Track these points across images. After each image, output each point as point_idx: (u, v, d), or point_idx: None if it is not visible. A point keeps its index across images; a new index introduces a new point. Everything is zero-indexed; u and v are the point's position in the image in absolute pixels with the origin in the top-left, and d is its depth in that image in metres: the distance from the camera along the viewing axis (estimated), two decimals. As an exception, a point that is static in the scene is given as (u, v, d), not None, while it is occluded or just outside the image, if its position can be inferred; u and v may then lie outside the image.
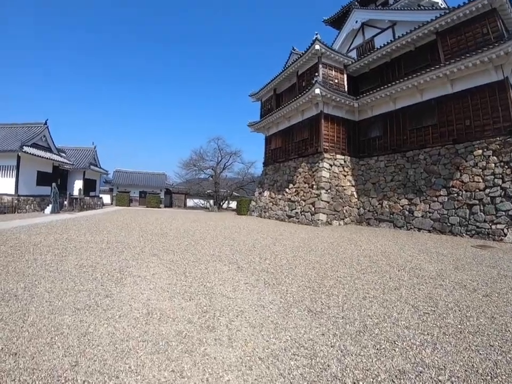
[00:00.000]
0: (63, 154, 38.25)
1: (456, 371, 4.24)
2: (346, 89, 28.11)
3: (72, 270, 8.99)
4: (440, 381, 4.00)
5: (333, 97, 26.01)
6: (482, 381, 4.05)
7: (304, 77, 29.35)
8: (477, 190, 18.01)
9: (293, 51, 33.04)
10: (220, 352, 4.89)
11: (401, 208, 21.95)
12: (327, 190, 24.74)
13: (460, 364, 4.46)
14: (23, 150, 28.33)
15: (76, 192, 39.44)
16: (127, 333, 5.42)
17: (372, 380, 4.01)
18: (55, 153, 35.15)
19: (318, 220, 23.55)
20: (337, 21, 36.42)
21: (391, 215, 22.48)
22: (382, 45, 25.70)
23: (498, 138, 18.14)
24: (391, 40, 25.18)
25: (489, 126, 18.59)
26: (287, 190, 29.14)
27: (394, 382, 3.96)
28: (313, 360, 4.48)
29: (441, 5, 26.36)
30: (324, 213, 24.02)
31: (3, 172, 29.33)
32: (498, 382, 4.08)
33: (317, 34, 26.08)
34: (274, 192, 31.52)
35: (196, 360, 4.71)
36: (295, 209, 26.89)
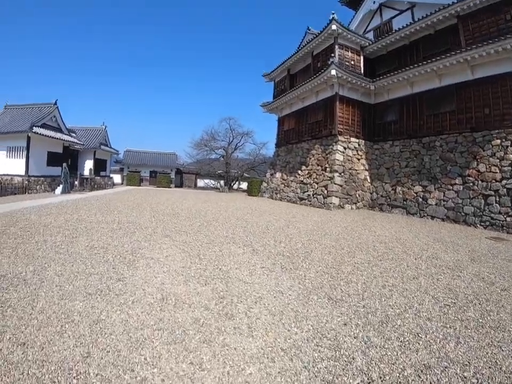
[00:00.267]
0: (74, 135, 37.87)
1: (480, 367, 4.06)
2: (362, 71, 27.27)
3: (82, 252, 8.71)
4: (465, 378, 3.84)
5: (349, 79, 25.17)
6: (506, 378, 3.87)
7: (319, 58, 28.44)
8: (493, 181, 17.35)
9: (308, 31, 32.04)
10: (240, 342, 4.60)
11: (415, 195, 21.36)
12: (340, 173, 24.23)
13: (484, 360, 4.23)
14: (33, 131, 27.96)
15: (86, 172, 39.24)
16: (141, 321, 5.11)
17: (398, 374, 3.85)
18: (65, 134, 34.73)
19: (331, 203, 23.11)
20: (354, 1, 35.02)
21: (404, 202, 21.91)
22: (401, 27, 24.71)
23: (518, 129, 17.36)
24: (410, 23, 24.13)
25: (509, 115, 17.78)
26: (299, 172, 28.59)
27: (420, 377, 3.80)
28: (337, 352, 4.30)
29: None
30: (336, 196, 23.52)
31: (13, 153, 29.15)
32: (523, 380, 3.89)
33: (333, 13, 25.14)
34: (286, 174, 31.00)
35: (215, 351, 4.40)
36: (307, 191, 26.44)
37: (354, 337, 4.67)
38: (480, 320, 5.45)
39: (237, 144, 54.37)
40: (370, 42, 27.33)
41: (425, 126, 22.51)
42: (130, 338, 4.58)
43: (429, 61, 21.37)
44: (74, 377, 3.67)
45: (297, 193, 27.87)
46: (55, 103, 33.17)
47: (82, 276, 6.90)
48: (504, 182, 16.95)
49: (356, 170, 25.19)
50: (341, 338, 4.63)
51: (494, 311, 5.91)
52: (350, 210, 23.13)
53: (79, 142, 36.94)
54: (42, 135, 29.27)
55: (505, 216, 16.25)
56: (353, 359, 4.12)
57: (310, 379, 3.75)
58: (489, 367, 4.05)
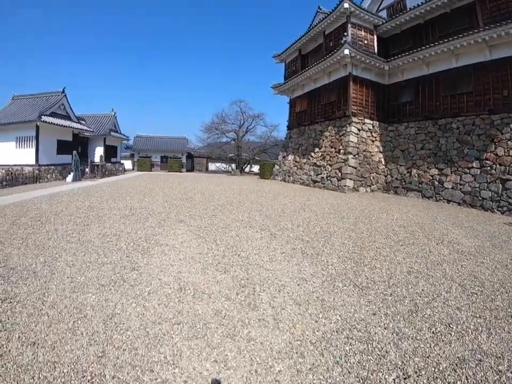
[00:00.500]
0: (83, 122, 37.61)
1: (514, 360, 3.79)
2: (376, 51, 26.27)
3: (95, 240, 8.40)
4: (500, 371, 3.62)
5: (362, 58, 24.24)
6: (540, 373, 3.57)
7: (331, 37, 27.51)
8: (512, 165, 16.65)
9: (318, 10, 30.95)
10: (266, 336, 4.28)
11: (431, 178, 20.63)
12: (354, 156, 23.63)
13: (517, 352, 3.95)
14: (42, 120, 27.75)
15: (97, 159, 38.90)
16: (159, 314, 4.77)
17: (433, 369, 3.63)
18: (74, 121, 34.47)
19: (345, 185, 22.49)
20: (366, -21, 33.84)
21: (420, 185, 21.23)
22: (415, 6, 23.67)
23: (537, 112, 16.66)
24: (425, 1, 23.10)
25: (529, 98, 16.93)
26: (312, 154, 27.89)
27: (456, 371, 3.59)
28: (369, 345, 4.08)
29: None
30: (350, 179, 22.94)
31: (23, 143, 29.10)
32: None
33: (346, -10, 24.19)
34: (298, 156, 30.08)
35: (240, 346, 4.07)
36: (320, 174, 25.77)
37: (385, 328, 4.47)
38: (509, 310, 5.13)
39: (248, 127, 53.60)
40: (384, 21, 26.24)
41: (442, 107, 21.61)
42: (147, 334, 4.25)
43: (445, 40, 20.40)
44: (88, 381, 3.35)
45: (310, 175, 27.33)
46: (63, 91, 32.91)
47: (95, 265, 6.57)
48: (523, 166, 16.24)
49: (370, 152, 24.53)
50: (372, 330, 4.42)
51: (521, 300, 5.57)
52: (364, 193, 22.61)
53: (88, 129, 36.73)
54: (51, 123, 29.06)
55: (524, 202, 15.60)
56: (386, 352, 3.90)
57: (343, 376, 3.50)
58: (523, 360, 3.79)
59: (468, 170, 18.45)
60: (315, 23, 28.92)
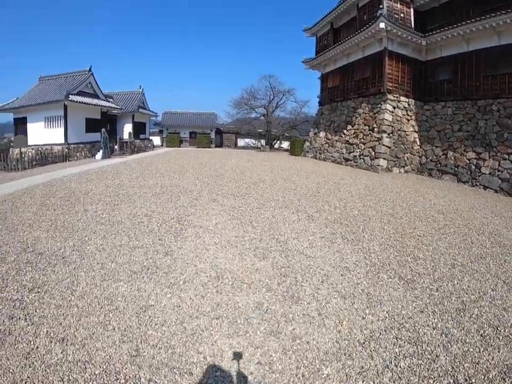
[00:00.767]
0: (111, 100, 37.47)
1: None
2: (412, 25, 24.63)
3: (125, 221, 8.11)
4: None
5: (399, 32, 22.81)
6: None
7: (365, 10, 26.01)
8: (556, 153, 15.60)
9: (352, -19, 29.53)
10: (311, 334, 3.95)
11: (468, 161, 19.36)
12: (389, 134, 22.56)
13: None
14: (69, 99, 27.57)
15: (126, 136, 39.00)
16: (196, 306, 4.43)
17: (482, 376, 3.37)
18: (102, 99, 34.38)
19: (378, 165, 21.49)
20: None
21: (456, 168, 20.03)
22: None
23: None
24: None
25: None
26: (344, 131, 26.81)
27: (505, 381, 3.33)
28: (418, 347, 3.80)
29: None
30: (384, 159, 21.98)
31: (51, 122, 29.11)
32: None
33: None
34: (330, 133, 29.65)
35: (285, 346, 3.74)
36: (353, 152, 25.17)
37: (433, 328, 4.18)
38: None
39: (278, 102, 52.14)
40: (422, -7, 24.69)
41: (482, 87, 20.13)
42: (184, 330, 3.94)
43: (487, 16, 18.93)
44: (122, 385, 3.04)
45: (342, 153, 26.47)
46: (90, 70, 32.71)
47: (126, 250, 6.26)
48: None
49: (405, 131, 23.38)
50: (420, 330, 4.14)
51: None
52: (398, 174, 21.71)
53: (116, 107, 36.65)
54: (79, 102, 28.99)
55: None
56: (436, 356, 3.62)
57: (393, 382, 3.26)
58: None
59: (507, 156, 17.28)
60: (348, -5, 27.58)
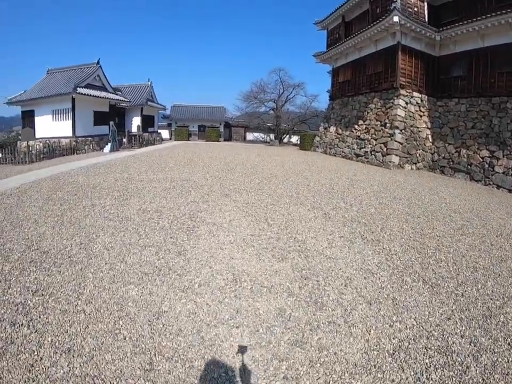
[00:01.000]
0: (119, 93, 37.29)
1: None
2: (426, 20, 24.14)
3: (134, 217, 7.78)
4: None
5: (413, 27, 22.32)
6: None
7: (378, 3, 25.42)
8: None
9: (364, -26, 28.94)
10: (339, 345, 3.70)
11: (481, 160, 18.86)
12: (401, 130, 22.10)
13: None
14: (77, 92, 27.40)
15: (134, 129, 38.89)
16: (214, 313, 4.11)
17: None
18: (110, 92, 34.32)
19: (390, 161, 21.48)
20: None
21: (469, 166, 19.52)
22: None
23: None
24: None
25: None
26: (356, 126, 26.26)
27: None
28: (448, 357, 3.60)
29: None
30: (396, 155, 21.60)
31: (59, 115, 28.97)
32: None
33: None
34: (341, 128, 29.23)
35: (312, 358, 3.47)
36: (364, 147, 24.79)
37: (462, 336, 3.99)
38: None
39: (287, 96, 51.42)
40: (436, -14, 24.09)
41: (496, 84, 19.63)
42: (202, 341, 3.61)
43: (503, 12, 18.33)
44: (135, 408, 2.71)
45: (353, 149, 26.06)
46: (98, 62, 32.60)
47: (136, 248, 5.91)
48: None
49: (418, 128, 22.88)
50: (449, 338, 3.94)
51: None
52: (410, 170, 21.30)
53: (125, 100, 36.47)
54: (87, 95, 28.83)
55: None
56: (467, 367, 3.44)
57: None
58: None
59: (522, 155, 16.86)
60: (360, -12, 27.06)
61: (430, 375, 3.31)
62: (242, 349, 3.48)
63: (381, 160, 22.15)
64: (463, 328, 4.16)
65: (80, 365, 3.11)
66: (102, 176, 13.05)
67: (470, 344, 3.83)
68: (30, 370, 3.02)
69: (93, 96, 29.52)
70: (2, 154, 20.47)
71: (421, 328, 4.10)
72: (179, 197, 9.84)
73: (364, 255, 6.25)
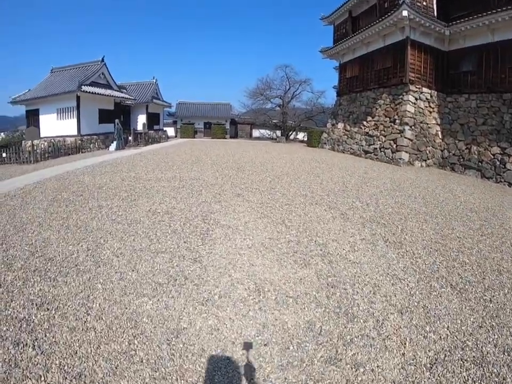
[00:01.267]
0: (124, 91, 37.04)
1: None
2: (435, 14, 23.67)
3: (144, 220, 7.40)
4: None
5: (422, 21, 21.91)
6: None
7: None
8: None
9: (371, -33, 28.41)
10: (375, 360, 3.45)
11: (492, 156, 18.46)
12: (411, 127, 21.70)
13: None
14: (82, 90, 27.18)
15: (139, 127, 38.44)
16: (238, 330, 3.74)
17: None
18: (115, 90, 34.15)
19: (400, 158, 21.08)
20: None
21: (480, 163, 19.09)
22: None
23: None
24: None
25: None
26: (364, 123, 25.83)
27: None
28: (485, 369, 3.42)
29: None
30: (406, 152, 21.19)
31: (64, 114, 28.78)
32: None
33: None
34: (349, 125, 28.75)
35: (349, 377, 3.20)
36: (373, 144, 24.35)
37: (495, 346, 3.79)
38: None
39: (294, 92, 50.89)
40: (445, -20, 23.57)
41: (507, 80, 19.25)
42: (229, 363, 3.25)
43: None
44: None
45: (361, 145, 25.61)
46: (102, 60, 32.40)
47: (147, 255, 5.53)
48: None
49: (427, 124, 22.44)
50: (483, 348, 3.74)
51: None
52: (420, 167, 20.93)
53: (130, 97, 36.26)
54: (92, 93, 28.59)
55: None
56: (503, 379, 3.30)
57: None
58: None
59: (534, 153, 16.49)
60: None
61: (471, 393, 3.12)
62: (273, 371, 3.11)
63: (390, 157, 21.75)
64: (495, 336, 3.98)
65: (93, 395, 2.74)
66: (108, 176, 12.70)
67: (504, 354, 3.66)
68: (36, 401, 2.65)
69: (98, 94, 29.27)
70: (7, 154, 20.32)
71: (455, 338, 3.91)
72: (190, 197, 9.47)
73: (388, 259, 5.93)
